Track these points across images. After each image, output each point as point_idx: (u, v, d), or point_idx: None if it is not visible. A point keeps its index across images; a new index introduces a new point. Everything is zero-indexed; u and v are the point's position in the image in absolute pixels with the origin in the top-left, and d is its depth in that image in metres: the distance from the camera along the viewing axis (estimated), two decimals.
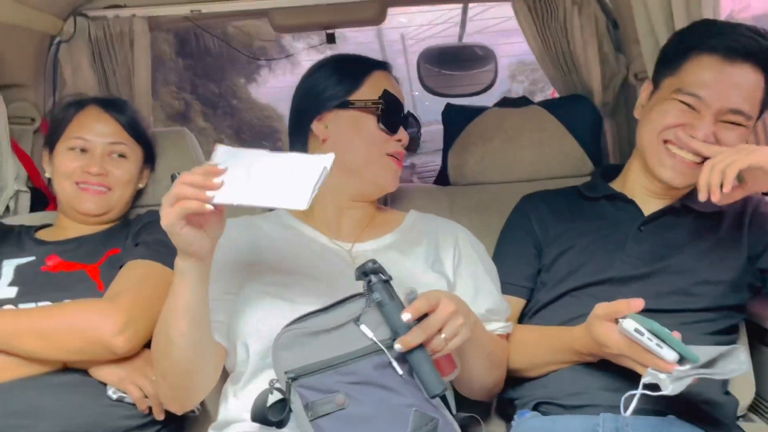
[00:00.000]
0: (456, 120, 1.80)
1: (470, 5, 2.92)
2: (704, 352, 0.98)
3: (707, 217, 1.31)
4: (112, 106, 1.53)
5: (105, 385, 1.26)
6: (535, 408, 1.24)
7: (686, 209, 1.32)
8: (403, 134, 1.25)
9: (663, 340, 0.98)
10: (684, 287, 1.24)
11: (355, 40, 8.00)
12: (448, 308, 0.96)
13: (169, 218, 0.94)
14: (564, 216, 1.38)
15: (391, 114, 1.23)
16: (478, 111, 1.79)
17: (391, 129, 1.23)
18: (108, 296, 1.27)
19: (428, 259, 1.22)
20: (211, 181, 0.92)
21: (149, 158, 1.61)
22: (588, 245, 1.32)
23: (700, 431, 1.15)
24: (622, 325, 1.00)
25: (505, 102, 1.85)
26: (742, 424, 1.33)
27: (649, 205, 1.34)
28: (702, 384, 1.18)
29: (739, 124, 1.20)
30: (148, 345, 1.26)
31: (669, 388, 0.97)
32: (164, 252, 1.35)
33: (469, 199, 1.67)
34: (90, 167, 1.44)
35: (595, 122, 1.79)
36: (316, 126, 1.25)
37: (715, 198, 1.08)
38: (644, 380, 1.00)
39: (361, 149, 1.23)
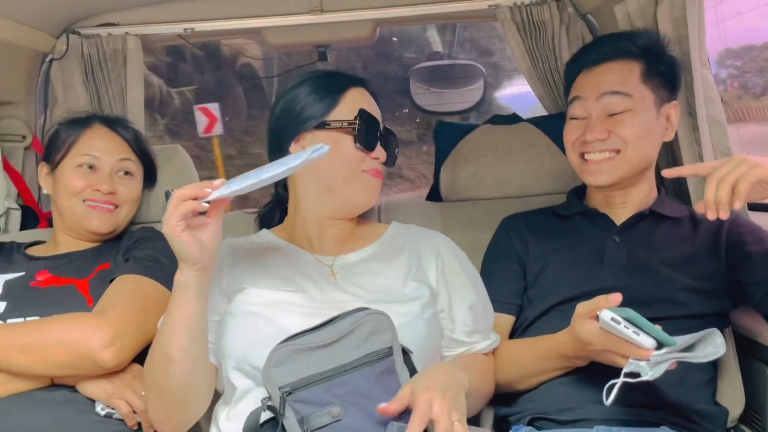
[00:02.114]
0: (448, 137, 1.82)
1: None
2: (682, 337, 0.99)
3: (680, 223, 1.35)
4: (118, 123, 1.55)
5: (93, 401, 1.24)
6: (530, 423, 1.24)
7: (656, 215, 1.36)
8: (380, 152, 1.24)
9: (640, 328, 0.98)
10: (667, 294, 1.26)
11: None
12: (443, 412, 0.93)
13: (170, 222, 0.97)
14: (542, 234, 1.41)
15: (368, 132, 1.22)
16: (470, 128, 1.81)
17: (368, 147, 1.22)
18: (96, 310, 1.26)
19: (411, 268, 1.22)
20: (209, 183, 0.98)
21: (149, 177, 1.62)
22: (568, 260, 1.35)
23: None
24: (600, 316, 1.01)
25: (496, 119, 1.87)
26: None
27: (619, 217, 1.38)
28: (692, 394, 1.20)
29: (629, 109, 1.30)
30: (136, 360, 1.26)
31: (648, 374, 0.97)
32: (155, 267, 1.35)
33: (462, 215, 1.68)
34: (100, 185, 1.44)
35: None
36: (294, 148, 1.25)
37: (725, 217, 1.06)
38: (625, 369, 1.00)
39: (340, 169, 1.21)
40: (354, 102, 1.24)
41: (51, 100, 1.93)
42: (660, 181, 1.45)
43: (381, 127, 1.26)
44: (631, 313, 0.99)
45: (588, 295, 1.25)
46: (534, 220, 1.47)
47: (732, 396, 1.35)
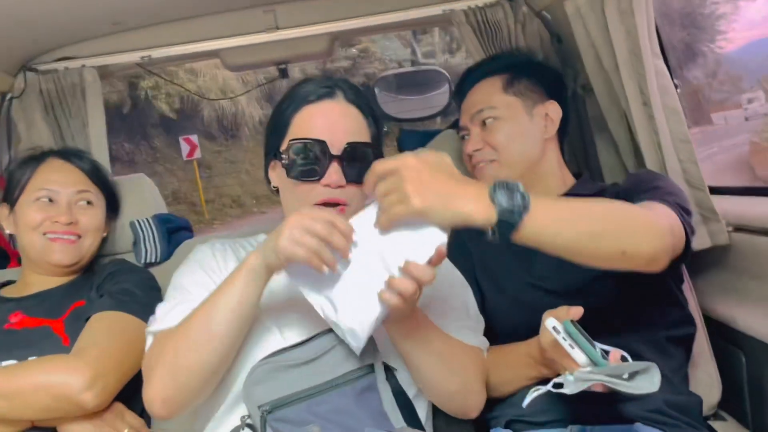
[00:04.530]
0: (411, 144, 1.82)
1: None
2: (621, 366, 0.98)
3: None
4: (73, 155, 1.54)
5: None
6: (507, 425, 1.26)
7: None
8: (330, 177, 1.10)
9: (578, 344, 1.00)
10: (586, 278, 1.20)
11: None
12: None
13: (297, 254, 0.93)
14: (470, 245, 1.42)
15: (302, 162, 1.11)
16: (433, 134, 1.81)
17: (304, 178, 1.11)
18: (75, 351, 1.25)
19: None
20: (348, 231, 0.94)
21: (111, 206, 1.60)
22: (497, 268, 1.37)
23: None
24: (545, 323, 1.03)
25: (458, 123, 1.87)
26: (714, 423, 1.34)
27: None
28: (663, 385, 1.19)
29: (495, 118, 1.42)
30: (117, 398, 1.25)
31: (569, 388, 0.98)
32: (129, 301, 1.35)
33: None
34: (59, 216, 1.43)
35: None
36: (271, 175, 1.21)
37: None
38: (554, 380, 1.01)
39: (293, 203, 1.14)
40: (302, 125, 1.14)
41: (14, 139, 1.92)
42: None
43: (343, 146, 1.11)
44: (572, 327, 1.00)
45: (520, 289, 1.30)
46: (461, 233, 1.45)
47: (708, 383, 1.36)
